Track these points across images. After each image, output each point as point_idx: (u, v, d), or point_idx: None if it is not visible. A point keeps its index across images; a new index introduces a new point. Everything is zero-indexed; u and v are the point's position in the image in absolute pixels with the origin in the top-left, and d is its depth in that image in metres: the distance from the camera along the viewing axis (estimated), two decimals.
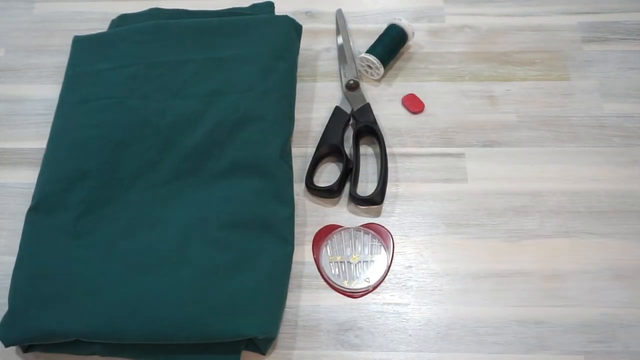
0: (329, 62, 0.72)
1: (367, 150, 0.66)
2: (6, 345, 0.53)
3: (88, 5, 0.78)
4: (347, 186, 0.63)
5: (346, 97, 0.68)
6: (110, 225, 0.58)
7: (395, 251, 0.59)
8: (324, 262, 0.59)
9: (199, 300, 0.53)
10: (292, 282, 0.57)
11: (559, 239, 0.59)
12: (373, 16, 0.76)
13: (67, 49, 0.71)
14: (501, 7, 0.75)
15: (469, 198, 0.62)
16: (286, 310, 0.56)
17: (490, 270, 0.58)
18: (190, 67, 0.66)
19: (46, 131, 0.65)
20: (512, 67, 0.70)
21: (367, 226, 0.61)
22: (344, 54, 0.72)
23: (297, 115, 0.67)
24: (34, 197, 0.60)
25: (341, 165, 0.64)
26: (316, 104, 0.69)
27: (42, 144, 0.65)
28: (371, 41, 0.71)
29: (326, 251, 0.60)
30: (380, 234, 0.60)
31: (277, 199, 0.59)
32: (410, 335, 0.55)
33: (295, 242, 0.59)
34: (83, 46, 0.70)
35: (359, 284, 0.58)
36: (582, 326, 0.55)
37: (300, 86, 0.69)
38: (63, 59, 0.71)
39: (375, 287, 0.58)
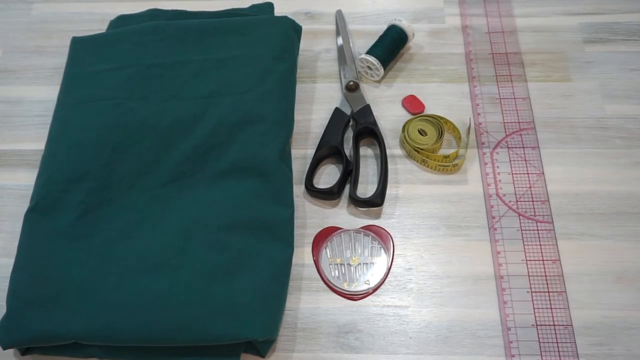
0: (328, 63, 0.72)
1: (367, 152, 0.65)
2: (4, 348, 0.53)
3: (86, 6, 0.78)
4: (347, 188, 0.63)
5: (346, 98, 0.68)
6: (109, 227, 0.58)
7: (395, 253, 0.59)
8: (323, 264, 0.59)
9: (198, 303, 0.53)
10: (292, 284, 0.57)
11: (560, 241, 0.59)
12: (373, 17, 0.76)
13: (66, 50, 0.71)
14: (501, 7, 0.75)
15: (470, 200, 0.62)
16: (286, 312, 0.56)
17: (490, 273, 0.58)
18: (189, 68, 0.66)
19: (44, 132, 0.65)
20: (513, 68, 0.70)
21: (367, 228, 0.60)
22: (343, 55, 0.71)
23: (296, 117, 0.66)
24: (32, 199, 0.60)
25: (341, 166, 0.63)
26: (316, 105, 0.69)
27: (40, 145, 0.64)
28: (371, 42, 0.70)
29: (326, 253, 0.59)
30: (380, 236, 0.60)
31: (276, 201, 0.59)
32: (410, 338, 0.55)
33: (295, 244, 0.58)
34: (81, 47, 0.69)
35: (359, 287, 0.57)
36: (583, 329, 0.54)
37: (299, 87, 0.69)
38: (61, 60, 0.71)
39: (375, 289, 0.57)
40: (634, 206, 0.60)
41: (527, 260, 0.57)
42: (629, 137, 0.65)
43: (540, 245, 0.58)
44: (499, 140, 0.65)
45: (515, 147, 0.64)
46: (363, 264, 0.59)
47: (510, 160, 0.63)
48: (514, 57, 0.71)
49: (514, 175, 0.62)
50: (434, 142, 0.64)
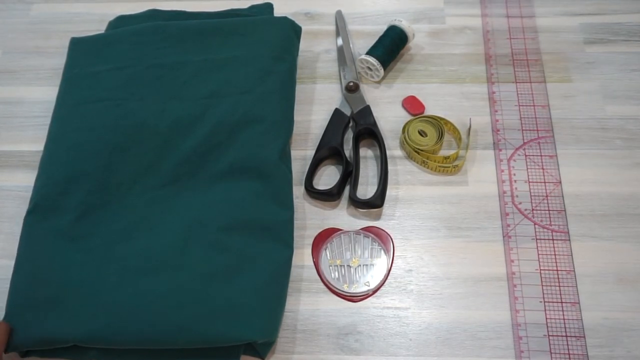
0: (328, 63, 0.72)
1: (367, 153, 0.65)
2: (4, 351, 0.53)
3: (86, 7, 0.78)
4: (347, 189, 0.62)
5: (346, 99, 0.68)
6: (108, 228, 0.58)
7: (395, 255, 0.59)
8: (323, 265, 0.59)
9: (198, 304, 0.53)
10: (292, 285, 0.57)
11: (561, 242, 0.59)
12: (373, 17, 0.76)
13: (65, 50, 0.70)
14: (501, 8, 0.75)
15: (470, 201, 0.61)
16: (285, 314, 0.56)
17: (491, 274, 0.57)
18: (189, 68, 0.66)
19: (43, 133, 0.64)
20: (513, 68, 0.70)
21: (367, 229, 0.60)
22: (343, 56, 0.71)
23: (296, 118, 0.66)
24: (31, 200, 0.60)
25: (341, 167, 0.63)
26: (316, 106, 0.69)
27: (39, 146, 0.64)
28: (371, 43, 0.70)
29: (326, 255, 0.59)
30: (380, 237, 0.60)
31: (276, 202, 0.59)
32: (410, 340, 0.55)
33: (295, 245, 0.58)
34: (80, 48, 0.69)
35: (358, 288, 0.57)
36: (584, 330, 0.54)
37: (299, 88, 0.69)
38: (60, 61, 0.70)
39: (375, 291, 0.57)
40: (635, 207, 0.60)
41: (540, 269, 0.57)
42: (629, 138, 0.65)
43: (555, 255, 0.58)
44: (517, 148, 0.65)
45: (527, 154, 0.64)
46: (363, 265, 0.58)
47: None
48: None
49: (525, 182, 0.62)
50: (434, 143, 0.63)
